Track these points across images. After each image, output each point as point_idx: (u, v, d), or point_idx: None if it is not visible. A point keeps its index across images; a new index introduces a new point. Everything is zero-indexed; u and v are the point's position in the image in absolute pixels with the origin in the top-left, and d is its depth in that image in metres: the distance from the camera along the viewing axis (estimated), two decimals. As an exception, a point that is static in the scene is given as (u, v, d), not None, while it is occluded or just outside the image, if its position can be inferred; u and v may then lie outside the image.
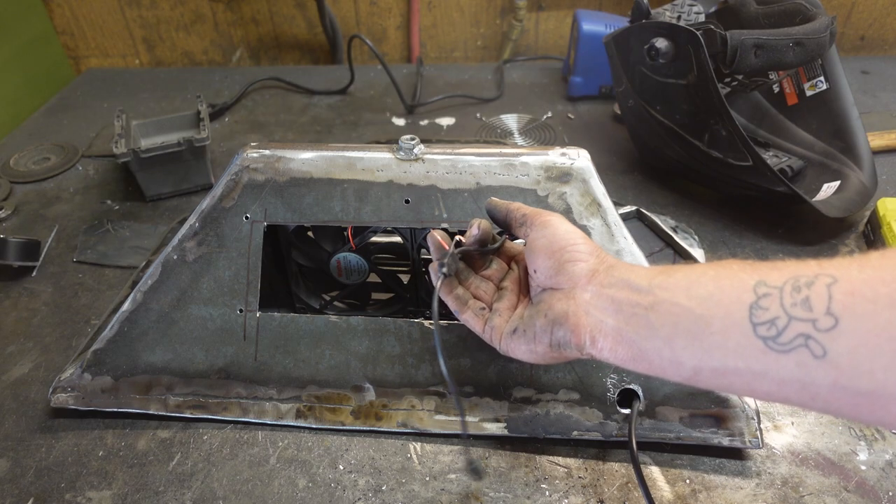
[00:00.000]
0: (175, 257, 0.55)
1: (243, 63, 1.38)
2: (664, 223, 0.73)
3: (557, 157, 0.53)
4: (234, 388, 0.55)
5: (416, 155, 0.53)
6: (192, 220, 0.55)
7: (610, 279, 0.37)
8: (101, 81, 1.27)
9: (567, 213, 0.52)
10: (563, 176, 0.52)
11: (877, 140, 0.91)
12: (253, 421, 0.55)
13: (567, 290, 0.39)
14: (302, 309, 0.63)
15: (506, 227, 0.46)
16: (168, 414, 0.55)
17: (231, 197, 0.54)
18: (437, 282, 0.43)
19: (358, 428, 0.54)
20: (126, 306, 0.56)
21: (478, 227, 0.45)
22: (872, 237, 0.73)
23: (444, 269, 0.43)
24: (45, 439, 0.55)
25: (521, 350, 0.41)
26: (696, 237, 0.75)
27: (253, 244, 0.54)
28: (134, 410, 0.55)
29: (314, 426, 0.55)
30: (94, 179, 0.93)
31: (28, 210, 0.87)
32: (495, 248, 0.47)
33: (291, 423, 0.55)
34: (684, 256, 0.69)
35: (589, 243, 0.40)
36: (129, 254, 0.77)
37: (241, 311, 0.55)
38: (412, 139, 0.54)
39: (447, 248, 0.44)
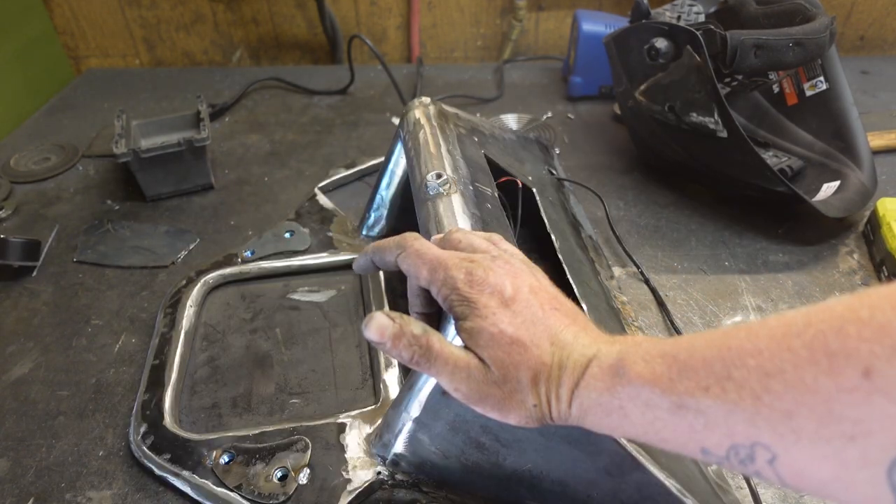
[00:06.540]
0: None
1: (243, 63, 1.38)
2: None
3: None
4: None
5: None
6: None
7: None
8: (101, 81, 1.27)
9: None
10: None
11: (877, 140, 0.91)
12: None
13: None
14: None
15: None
16: None
17: None
18: None
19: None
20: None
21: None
22: (872, 237, 0.73)
23: None
24: (45, 439, 0.55)
25: None
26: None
27: None
28: None
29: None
30: (94, 179, 0.94)
31: (28, 210, 0.87)
32: None
33: None
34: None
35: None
36: (129, 254, 0.77)
37: None
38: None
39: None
